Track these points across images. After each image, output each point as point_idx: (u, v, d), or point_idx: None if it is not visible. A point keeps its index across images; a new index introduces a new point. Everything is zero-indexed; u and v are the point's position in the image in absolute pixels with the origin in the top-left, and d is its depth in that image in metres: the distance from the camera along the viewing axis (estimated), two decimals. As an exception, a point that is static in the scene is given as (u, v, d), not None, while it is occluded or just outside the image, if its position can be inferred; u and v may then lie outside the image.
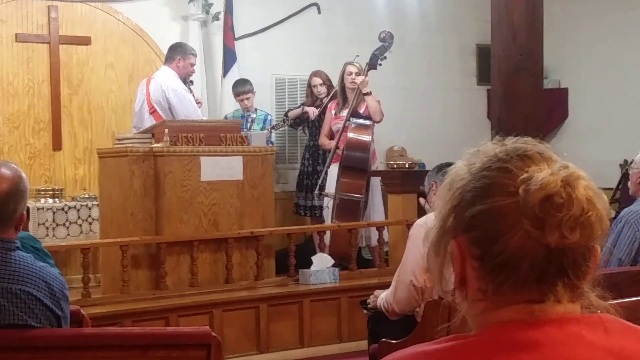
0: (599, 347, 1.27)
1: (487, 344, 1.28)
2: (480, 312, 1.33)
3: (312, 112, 8.78)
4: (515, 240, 1.28)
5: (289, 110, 9.08)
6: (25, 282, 2.87)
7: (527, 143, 1.36)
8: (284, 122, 8.86)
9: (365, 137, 8.11)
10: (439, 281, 1.39)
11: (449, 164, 4.60)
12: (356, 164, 8.03)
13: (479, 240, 1.31)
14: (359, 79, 8.17)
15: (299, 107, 9.00)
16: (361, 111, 8.25)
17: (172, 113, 7.46)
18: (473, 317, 1.35)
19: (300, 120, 8.95)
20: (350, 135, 8.09)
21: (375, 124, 8.25)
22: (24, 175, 2.99)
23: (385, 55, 8.25)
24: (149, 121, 7.52)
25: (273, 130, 8.71)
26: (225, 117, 8.67)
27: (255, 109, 8.76)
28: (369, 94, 8.18)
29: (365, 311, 4.88)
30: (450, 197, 1.36)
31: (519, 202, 1.28)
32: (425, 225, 4.30)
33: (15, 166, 3.02)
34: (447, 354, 1.28)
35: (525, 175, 1.29)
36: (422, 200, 5.07)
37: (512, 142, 1.37)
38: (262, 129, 8.43)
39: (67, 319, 3.03)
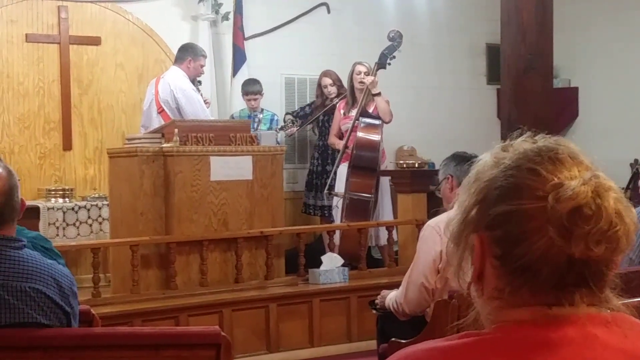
0: (614, 348, 1.26)
1: (501, 342, 1.27)
2: (495, 310, 1.33)
3: (290, 131, 8.75)
4: (539, 246, 1.26)
5: (287, 114, 9.08)
6: (35, 280, 2.89)
7: (559, 143, 1.34)
8: (293, 123, 8.83)
9: (375, 137, 8.10)
10: (457, 273, 1.38)
11: (467, 158, 4.57)
12: (365, 164, 8.03)
13: (501, 240, 1.30)
14: (368, 79, 8.16)
15: (292, 113, 9.00)
16: (370, 110, 8.24)
17: (180, 113, 7.47)
18: (487, 314, 1.34)
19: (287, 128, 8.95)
20: (360, 134, 8.09)
21: (385, 124, 8.24)
22: (9, 166, 3.07)
23: (394, 54, 8.23)
24: (156, 120, 7.54)
25: (281, 132, 8.71)
26: (232, 117, 8.68)
27: (262, 110, 8.76)
28: (379, 94, 8.17)
29: (374, 311, 4.87)
30: (475, 190, 1.34)
31: (547, 208, 1.26)
32: (437, 226, 4.28)
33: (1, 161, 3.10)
34: (460, 350, 1.28)
35: (555, 181, 1.27)
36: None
37: (543, 141, 1.35)
38: (268, 129, 8.42)
39: (76, 315, 3.04)
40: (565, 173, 1.29)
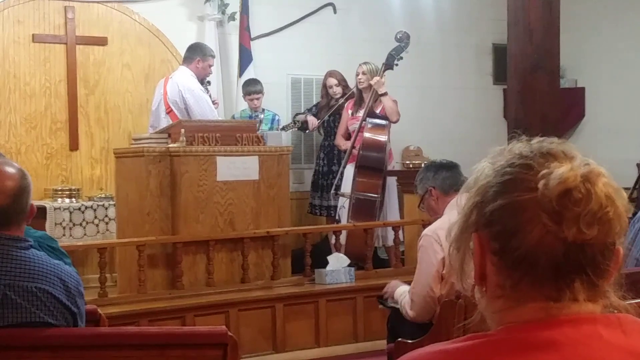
0: (617, 347, 1.27)
1: (505, 343, 1.28)
2: (499, 310, 1.34)
3: (312, 123, 8.77)
4: (534, 235, 1.28)
5: (297, 114, 9.09)
6: (41, 280, 2.89)
7: (553, 142, 1.36)
8: (294, 123, 8.85)
9: (382, 137, 8.11)
10: (460, 277, 1.40)
11: (441, 165, 4.56)
12: (372, 164, 8.03)
13: (498, 235, 1.32)
14: (374, 80, 8.16)
15: (304, 112, 9.01)
16: (377, 111, 8.24)
17: (188, 113, 7.47)
18: (492, 315, 1.36)
19: (306, 127, 8.94)
20: (367, 135, 8.09)
21: (392, 124, 8.25)
22: (24, 169, 3.06)
23: (401, 55, 8.25)
24: (165, 121, 7.54)
25: (282, 131, 8.71)
26: (233, 117, 8.68)
27: (263, 109, 8.76)
28: (385, 94, 8.17)
29: (381, 306, 4.87)
30: (473, 194, 1.37)
31: (537, 196, 1.28)
32: (435, 234, 4.27)
33: (14, 162, 3.09)
34: (466, 353, 1.28)
35: (545, 170, 1.30)
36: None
37: (538, 142, 1.37)
38: (270, 129, 8.42)
39: (83, 315, 3.05)
40: (556, 163, 1.31)
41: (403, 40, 8.28)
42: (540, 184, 1.28)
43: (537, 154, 1.33)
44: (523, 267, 1.30)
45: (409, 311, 4.44)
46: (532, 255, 1.29)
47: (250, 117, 8.60)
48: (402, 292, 4.59)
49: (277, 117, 8.82)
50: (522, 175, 1.31)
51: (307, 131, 8.99)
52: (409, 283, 4.58)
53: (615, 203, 1.30)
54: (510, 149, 1.38)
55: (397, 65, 8.27)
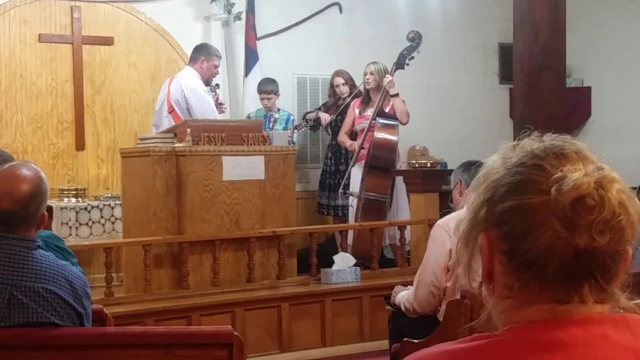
0: (625, 347, 1.26)
1: (512, 343, 1.27)
2: (506, 310, 1.33)
3: (325, 118, 8.76)
4: (544, 239, 1.27)
5: (307, 113, 9.08)
6: (48, 281, 2.89)
7: (565, 141, 1.35)
8: (307, 122, 8.84)
9: (393, 137, 8.10)
10: (467, 273, 1.39)
11: (475, 163, 4.62)
12: (383, 164, 8.02)
13: (507, 236, 1.30)
14: (387, 79, 8.13)
15: (314, 111, 9.00)
16: (386, 110, 8.23)
17: (190, 113, 7.48)
18: (499, 314, 1.35)
19: (318, 124, 8.93)
20: (378, 135, 8.07)
21: (401, 125, 8.23)
22: (44, 175, 3.00)
23: (413, 55, 8.23)
24: (166, 120, 7.57)
25: (295, 131, 8.71)
26: (249, 116, 8.68)
27: (278, 109, 8.76)
28: (397, 95, 8.15)
29: (388, 307, 4.89)
30: (483, 190, 1.35)
31: (550, 201, 1.26)
32: (446, 225, 4.32)
33: (35, 166, 3.04)
34: (472, 353, 1.28)
35: (558, 174, 1.28)
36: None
37: (550, 139, 1.36)
38: (284, 129, 8.42)
39: (89, 316, 3.05)
40: (569, 167, 1.29)
41: (415, 40, 8.25)
42: (553, 189, 1.27)
43: (550, 154, 1.31)
44: (532, 270, 1.28)
45: (412, 302, 4.47)
46: (542, 259, 1.27)
47: (265, 116, 8.59)
48: (403, 294, 4.64)
49: (292, 117, 8.81)
50: (534, 177, 1.30)
51: (320, 127, 8.95)
52: (412, 284, 4.61)
53: (628, 210, 1.28)
54: (522, 146, 1.36)
55: (408, 65, 8.25)
